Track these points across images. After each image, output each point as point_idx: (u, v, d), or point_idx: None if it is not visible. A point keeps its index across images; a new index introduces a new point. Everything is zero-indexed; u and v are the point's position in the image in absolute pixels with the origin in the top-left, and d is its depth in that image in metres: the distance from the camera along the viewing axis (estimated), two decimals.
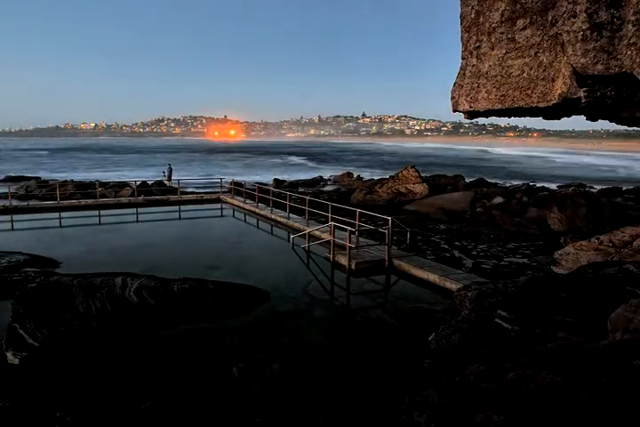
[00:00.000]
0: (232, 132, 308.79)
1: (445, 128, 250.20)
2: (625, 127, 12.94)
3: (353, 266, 11.79)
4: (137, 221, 19.50)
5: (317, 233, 14.54)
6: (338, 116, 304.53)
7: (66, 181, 30.58)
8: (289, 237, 15.12)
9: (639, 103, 7.81)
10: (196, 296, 8.96)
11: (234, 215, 20.78)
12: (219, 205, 23.27)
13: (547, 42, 8.00)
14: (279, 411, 3.47)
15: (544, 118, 10.11)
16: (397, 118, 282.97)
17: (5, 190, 23.33)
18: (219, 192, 26.13)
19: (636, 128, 13.49)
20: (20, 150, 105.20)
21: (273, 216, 19.05)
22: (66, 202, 22.28)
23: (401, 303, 9.67)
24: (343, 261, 12.13)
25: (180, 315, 8.50)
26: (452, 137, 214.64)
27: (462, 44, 10.17)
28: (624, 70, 6.79)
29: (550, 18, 7.81)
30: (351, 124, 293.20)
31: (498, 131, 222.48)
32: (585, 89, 7.45)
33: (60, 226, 18.20)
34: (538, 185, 32.74)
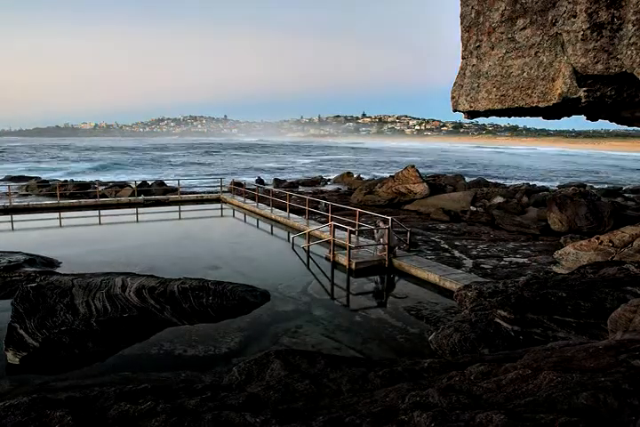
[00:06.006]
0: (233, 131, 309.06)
1: (445, 128, 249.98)
2: (625, 127, 12.94)
3: (353, 266, 11.79)
4: (137, 221, 19.51)
5: (317, 233, 14.54)
6: (338, 116, 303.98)
7: (66, 180, 30.59)
8: (289, 237, 15.12)
9: (639, 103, 7.81)
10: (196, 296, 8.96)
11: (234, 215, 20.78)
12: (219, 205, 23.27)
13: (547, 42, 8.00)
14: (279, 411, 3.46)
15: (544, 118, 10.10)
16: (397, 118, 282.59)
17: (5, 190, 23.36)
18: (219, 192, 26.14)
19: (636, 128, 13.49)
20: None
21: (273, 216, 19.05)
22: (66, 202, 22.28)
23: (401, 303, 9.67)
24: (343, 260, 12.13)
25: (180, 315, 8.50)
26: (453, 137, 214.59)
27: (462, 43, 10.16)
28: (624, 70, 6.79)
29: (550, 18, 7.81)
30: (351, 124, 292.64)
31: (498, 130, 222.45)
32: (585, 89, 7.44)
33: (60, 226, 18.20)
34: (538, 185, 32.76)
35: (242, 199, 22.91)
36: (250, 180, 31.96)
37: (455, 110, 10.75)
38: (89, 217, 20.02)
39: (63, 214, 19.72)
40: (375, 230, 12.73)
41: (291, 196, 19.22)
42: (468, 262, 12.12)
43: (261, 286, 10.11)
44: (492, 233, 15.82)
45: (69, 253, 12.94)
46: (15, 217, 19.23)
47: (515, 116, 10.46)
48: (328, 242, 13.08)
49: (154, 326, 8.08)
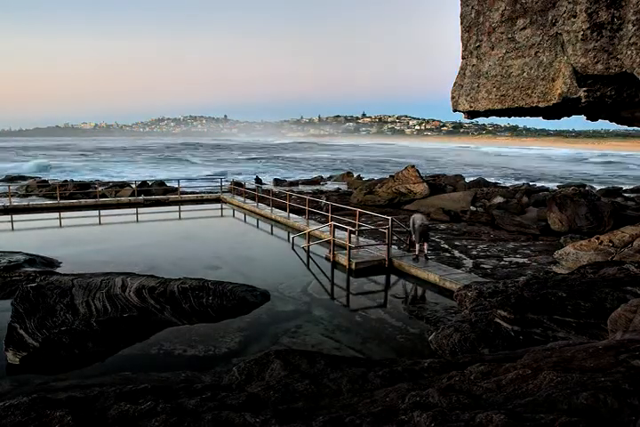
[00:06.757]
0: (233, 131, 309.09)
1: (445, 128, 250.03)
2: (625, 127, 12.94)
3: (353, 266, 11.79)
4: (137, 221, 19.51)
5: (317, 233, 14.54)
6: (338, 116, 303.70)
7: (66, 180, 30.59)
8: (289, 237, 15.12)
9: (639, 103, 7.81)
10: (196, 296, 8.96)
11: (234, 215, 20.78)
12: (219, 205, 23.27)
13: (547, 42, 7.99)
14: (279, 411, 3.46)
15: (544, 118, 10.09)
16: (397, 118, 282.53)
17: (5, 190, 23.37)
18: (219, 192, 26.14)
19: (636, 128, 13.49)
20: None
21: (273, 216, 19.05)
22: (66, 202, 22.28)
23: (401, 303, 9.67)
24: (343, 260, 12.13)
25: (180, 315, 8.50)
26: (453, 137, 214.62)
27: (462, 43, 10.16)
28: (624, 70, 6.78)
29: (550, 18, 7.81)
30: (351, 124, 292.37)
31: (498, 130, 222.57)
32: (585, 89, 7.44)
33: (60, 226, 18.20)
34: (538, 185, 32.77)
35: (242, 199, 22.91)
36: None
37: (455, 110, 10.74)
38: (89, 217, 20.02)
39: (63, 214, 19.71)
40: (412, 234, 12.24)
41: (291, 196, 19.22)
42: (468, 262, 12.11)
43: (261, 286, 10.11)
44: (492, 233, 15.81)
45: (69, 253, 12.94)
46: (15, 217, 19.23)
47: (515, 116, 10.45)
48: (328, 242, 13.08)
49: (154, 326, 8.08)
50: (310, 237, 13.98)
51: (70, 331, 7.32)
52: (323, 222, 16.03)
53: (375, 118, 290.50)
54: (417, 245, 12.13)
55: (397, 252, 12.81)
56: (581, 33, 7.07)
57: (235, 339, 7.75)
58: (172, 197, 24.67)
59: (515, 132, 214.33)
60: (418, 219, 12.09)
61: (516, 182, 36.62)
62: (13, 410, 3.56)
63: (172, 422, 3.30)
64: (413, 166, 23.40)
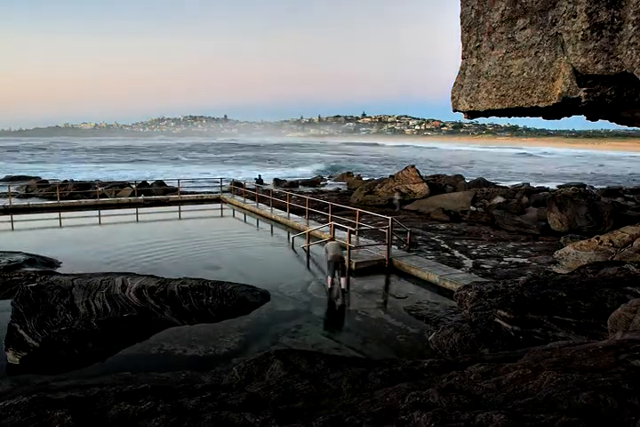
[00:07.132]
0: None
1: (445, 128, 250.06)
2: (625, 127, 12.94)
3: (353, 266, 11.79)
4: (137, 221, 19.50)
5: (317, 233, 14.54)
6: (338, 116, 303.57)
7: (66, 180, 30.58)
8: (289, 237, 15.12)
9: (639, 103, 7.80)
10: (196, 296, 8.96)
11: (234, 215, 20.78)
12: (219, 205, 23.27)
13: (547, 42, 7.99)
14: (279, 411, 3.46)
15: (544, 118, 10.09)
16: (397, 118, 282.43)
17: (5, 190, 23.38)
18: (219, 192, 26.13)
19: (636, 128, 13.49)
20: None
21: (273, 216, 19.05)
22: (66, 202, 22.28)
23: (401, 303, 9.67)
24: None
25: (180, 315, 8.49)
26: (453, 137, 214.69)
27: (462, 43, 10.15)
28: (624, 70, 6.78)
29: (550, 18, 7.80)
30: (351, 124, 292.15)
31: (498, 130, 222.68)
32: (585, 89, 7.43)
33: (60, 226, 18.20)
34: (538, 185, 32.75)
35: (242, 199, 22.91)
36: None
37: (455, 110, 10.73)
38: (89, 217, 20.02)
39: (63, 214, 19.71)
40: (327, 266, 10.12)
41: (291, 196, 19.22)
42: (468, 262, 12.12)
43: (261, 286, 10.11)
44: (492, 233, 15.81)
45: (69, 253, 12.94)
46: (15, 217, 19.23)
47: (515, 116, 10.45)
48: None
49: (154, 326, 8.07)
50: (310, 237, 13.98)
51: (70, 331, 7.32)
52: (323, 222, 16.03)
53: (375, 118, 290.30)
54: (329, 279, 10.36)
55: (397, 252, 12.81)
56: (581, 33, 7.07)
57: (235, 339, 7.75)
58: (172, 197, 24.67)
59: (515, 132, 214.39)
60: (331, 248, 10.35)
61: (517, 182, 36.60)
62: (13, 410, 3.56)
63: (172, 422, 3.30)
64: (413, 166, 23.40)
